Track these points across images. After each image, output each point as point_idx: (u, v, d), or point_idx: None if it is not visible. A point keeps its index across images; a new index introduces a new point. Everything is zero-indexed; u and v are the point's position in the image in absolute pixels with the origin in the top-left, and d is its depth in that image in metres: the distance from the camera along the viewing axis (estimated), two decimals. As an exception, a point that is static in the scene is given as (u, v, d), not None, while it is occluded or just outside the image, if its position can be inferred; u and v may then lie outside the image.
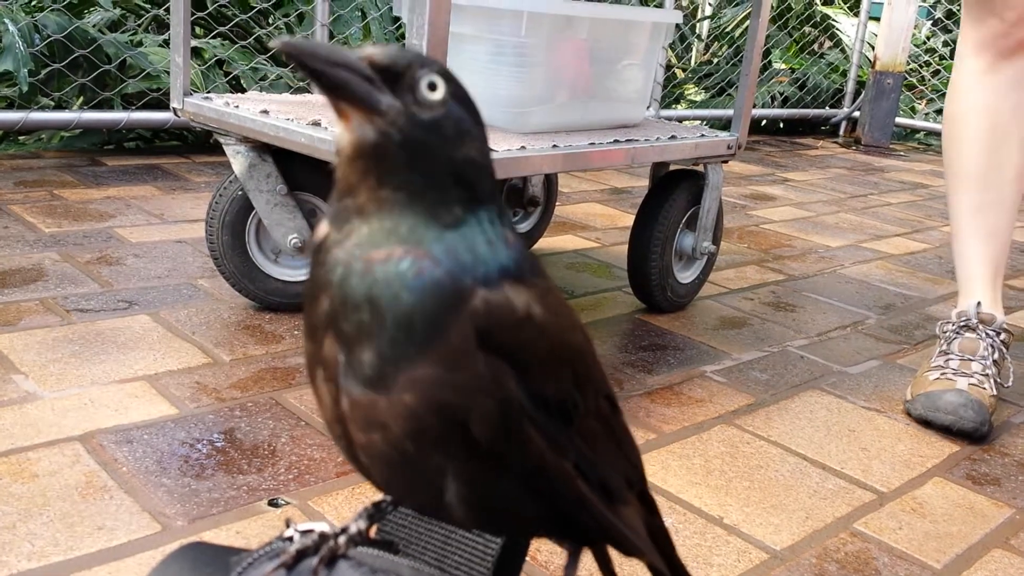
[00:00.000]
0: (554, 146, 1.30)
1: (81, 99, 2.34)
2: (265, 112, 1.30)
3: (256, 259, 1.42)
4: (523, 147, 1.26)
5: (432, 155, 0.40)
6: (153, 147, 2.57)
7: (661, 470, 1.10)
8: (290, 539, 0.44)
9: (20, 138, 2.44)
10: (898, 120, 4.11)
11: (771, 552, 0.96)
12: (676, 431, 1.21)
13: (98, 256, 1.63)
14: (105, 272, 1.56)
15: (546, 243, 1.97)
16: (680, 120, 3.76)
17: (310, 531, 0.45)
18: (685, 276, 1.66)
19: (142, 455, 1.02)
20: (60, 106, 2.29)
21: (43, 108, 2.26)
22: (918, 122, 4.29)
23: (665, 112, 3.49)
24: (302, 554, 0.42)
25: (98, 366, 1.22)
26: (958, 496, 1.12)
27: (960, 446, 1.26)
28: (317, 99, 1.53)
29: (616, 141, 1.41)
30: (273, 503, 0.97)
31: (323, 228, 0.43)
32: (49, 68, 2.22)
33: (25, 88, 2.12)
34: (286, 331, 1.39)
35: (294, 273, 1.44)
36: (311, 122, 1.25)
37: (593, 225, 2.21)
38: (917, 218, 2.72)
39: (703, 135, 1.57)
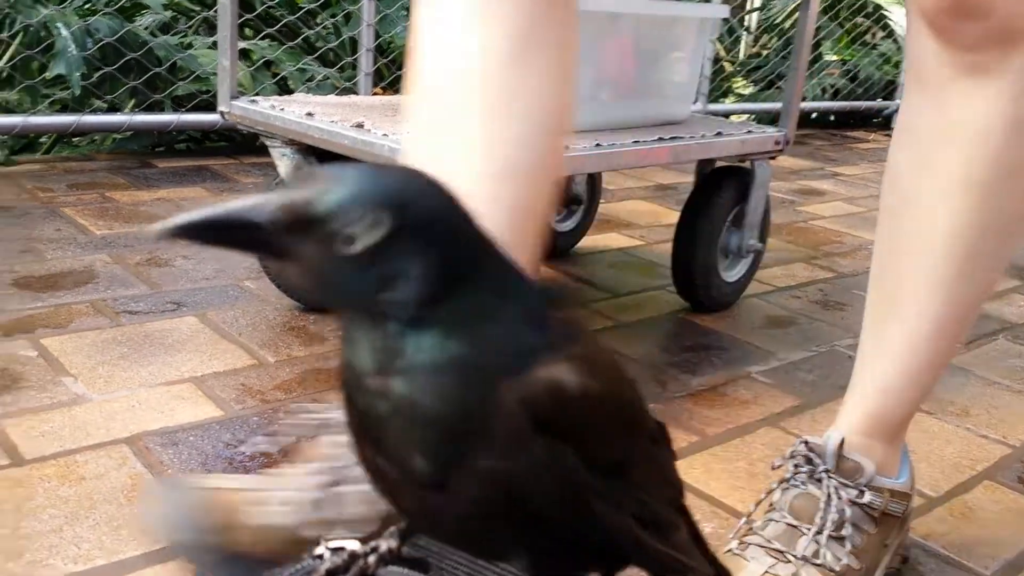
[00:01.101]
0: (597, 145, 1.29)
1: (132, 102, 2.38)
2: (310, 114, 1.31)
3: (300, 261, 1.43)
4: (566, 146, 1.25)
5: (348, 303, 0.39)
6: (203, 148, 2.61)
7: (704, 474, 1.09)
8: (320, 556, 0.45)
9: (74, 140, 2.49)
10: (953, 111, 4.01)
11: (815, 559, 0.95)
12: (719, 434, 1.19)
13: (147, 258, 1.66)
14: (154, 274, 1.58)
15: (590, 241, 1.96)
16: (728, 115, 3.72)
17: (341, 548, 0.45)
18: (731, 274, 1.64)
19: (187, 457, 1.04)
20: (112, 109, 2.33)
21: (95, 111, 2.30)
22: (974, 113, 4.18)
23: (713, 106, 3.45)
24: (332, 574, 0.43)
25: (145, 368, 1.24)
26: (1009, 500, 1.10)
27: (1012, 448, 1.22)
28: (363, 101, 1.54)
29: (660, 139, 1.39)
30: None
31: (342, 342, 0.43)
32: (101, 71, 2.26)
33: (78, 91, 2.16)
34: (330, 332, 1.40)
35: (337, 274, 1.45)
36: (355, 124, 1.26)
37: (637, 223, 2.20)
38: (972, 212, 2.66)
39: (750, 131, 1.55)
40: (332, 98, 1.52)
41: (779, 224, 2.31)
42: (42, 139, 2.43)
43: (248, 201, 0.37)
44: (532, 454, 0.39)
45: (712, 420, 1.23)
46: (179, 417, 1.12)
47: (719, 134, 1.48)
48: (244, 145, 2.67)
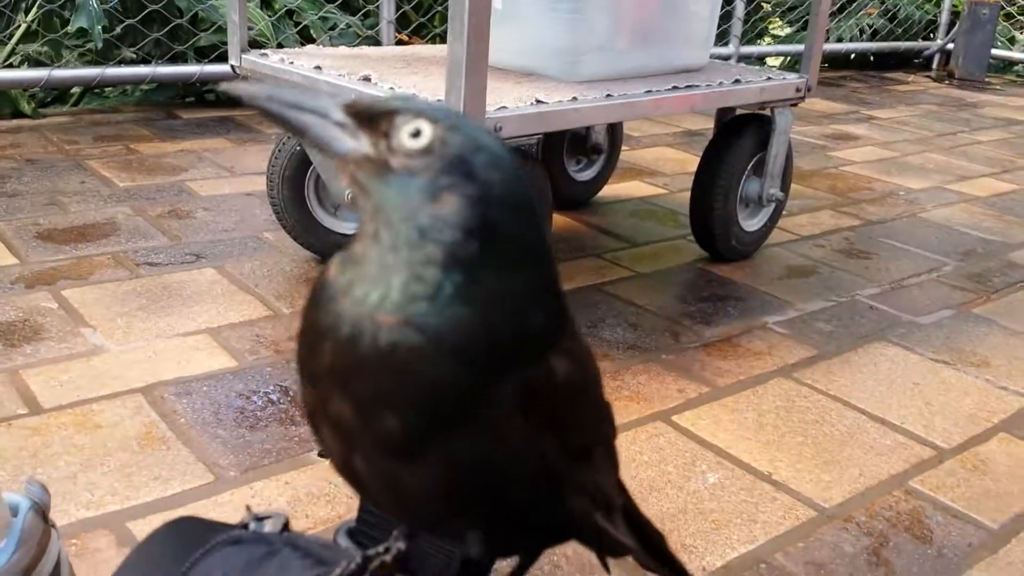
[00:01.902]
0: (608, 95, 1.27)
1: (157, 54, 2.39)
2: (318, 68, 1.31)
3: (316, 213, 1.44)
4: (574, 98, 1.23)
5: (395, 211, 0.35)
6: (230, 98, 2.61)
7: (711, 424, 1.09)
8: (245, 526, 0.45)
9: (106, 90, 2.50)
10: (994, 52, 3.90)
11: (819, 509, 0.95)
12: (731, 384, 1.19)
13: (169, 210, 1.67)
14: (175, 226, 1.60)
15: (611, 190, 1.94)
16: (762, 57, 3.64)
17: (267, 517, 0.45)
18: (751, 224, 1.62)
19: (200, 407, 1.06)
20: (136, 61, 2.34)
21: (120, 63, 2.31)
22: (1016, 54, 4.06)
23: (746, 48, 3.38)
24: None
25: (163, 319, 1.26)
26: (1022, 453, 1.08)
27: (1032, 401, 1.21)
28: (374, 53, 1.52)
29: (675, 88, 1.37)
30: (322, 455, 0.99)
31: (332, 267, 0.39)
32: (124, 24, 2.26)
33: (100, 45, 2.17)
34: (345, 283, 1.41)
35: (353, 226, 1.45)
36: (362, 77, 1.25)
37: (662, 171, 2.17)
38: (1008, 157, 2.59)
39: (769, 78, 1.52)
40: (343, 50, 1.51)
41: (808, 170, 2.27)
42: (72, 90, 2.45)
43: (320, 95, 0.37)
44: (516, 440, 0.38)
45: (724, 371, 1.22)
46: (194, 367, 1.14)
47: (737, 81, 1.45)
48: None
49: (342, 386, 0.38)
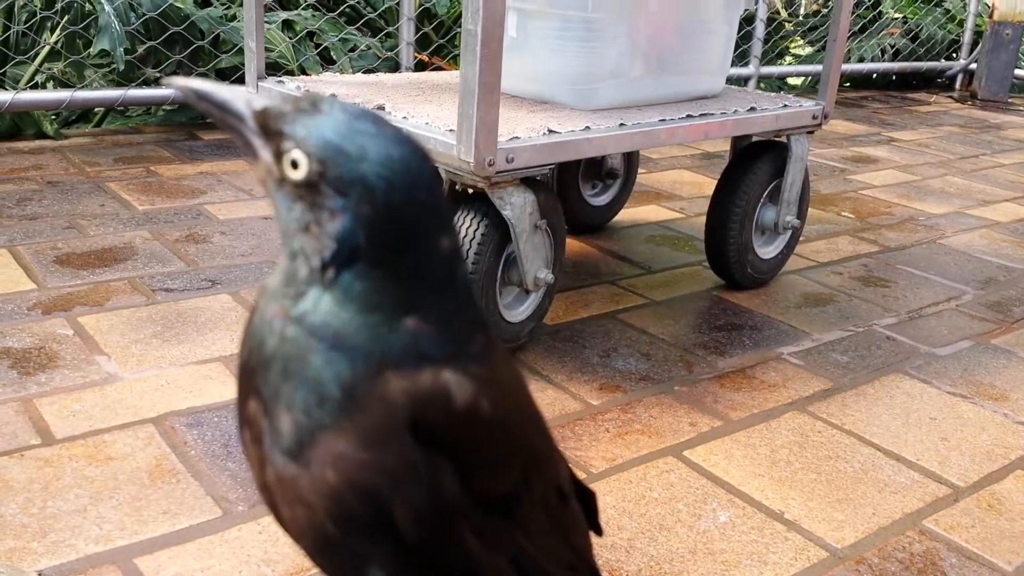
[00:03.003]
0: (621, 124, 1.27)
1: (179, 75, 2.41)
2: (333, 96, 1.31)
3: (330, 239, 1.44)
4: (587, 127, 1.23)
5: (280, 223, 0.38)
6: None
7: (723, 460, 1.08)
8: None
9: (128, 108, 2.53)
10: (1018, 72, 3.87)
11: (831, 551, 0.94)
12: (744, 418, 1.18)
13: (187, 234, 1.69)
14: (192, 251, 1.61)
15: (627, 215, 1.94)
16: (782, 77, 3.63)
17: None
18: (767, 251, 1.61)
19: (211, 438, 1.06)
20: (158, 82, 2.36)
21: (142, 84, 2.34)
22: (1042, 73, 4.02)
23: (767, 69, 3.37)
24: None
25: (177, 347, 1.26)
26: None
27: (1051, 437, 1.19)
28: (390, 79, 1.53)
29: (689, 116, 1.37)
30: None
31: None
32: (146, 45, 2.28)
33: (122, 67, 2.19)
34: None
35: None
36: (376, 106, 1.26)
37: (679, 194, 2.17)
38: (1032, 180, 2.57)
39: (785, 105, 1.51)
40: (359, 77, 1.51)
41: (827, 194, 2.26)
42: (95, 110, 2.48)
43: (244, 93, 0.38)
44: (400, 455, 0.37)
45: (737, 404, 1.21)
46: (206, 397, 1.15)
47: (752, 109, 1.44)
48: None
49: (254, 387, 0.40)
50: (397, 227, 0.37)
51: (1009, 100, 3.86)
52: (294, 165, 0.37)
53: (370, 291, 0.38)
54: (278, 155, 0.37)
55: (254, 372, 0.39)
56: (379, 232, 0.37)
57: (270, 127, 0.37)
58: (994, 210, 2.24)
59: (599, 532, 0.53)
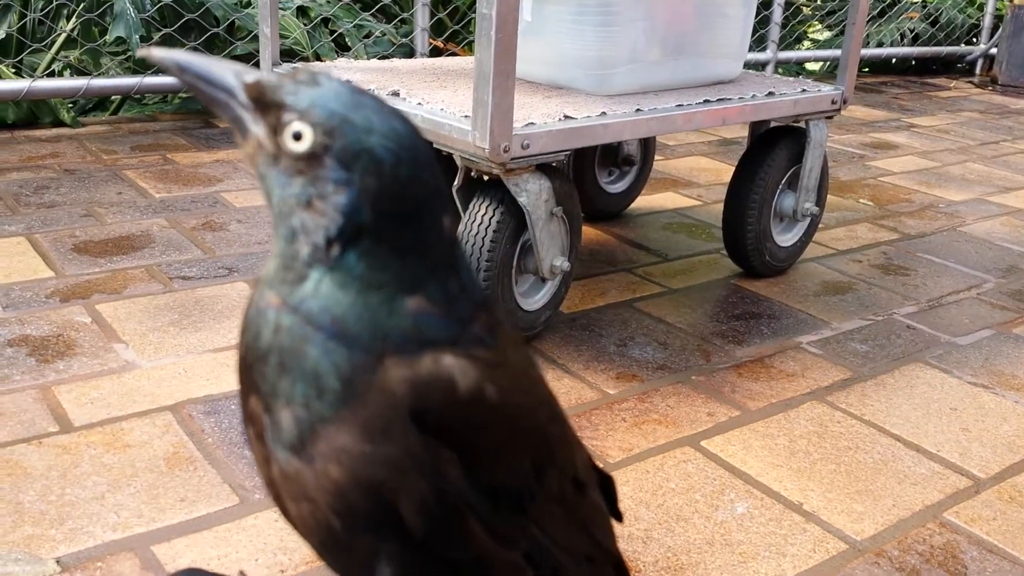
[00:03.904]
0: (637, 110, 1.26)
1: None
2: (348, 82, 1.30)
3: (346, 227, 1.44)
4: (603, 112, 1.22)
5: (273, 204, 0.36)
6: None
7: (741, 450, 1.07)
8: None
9: (144, 96, 2.53)
10: (1041, 56, 3.82)
11: (850, 543, 0.93)
12: (762, 408, 1.17)
13: (203, 222, 1.69)
14: (208, 239, 1.61)
15: (643, 202, 1.92)
16: (800, 62, 3.60)
17: None
18: (785, 239, 1.59)
19: (227, 426, 1.06)
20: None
21: (158, 71, 2.34)
22: (1065, 57, 3.97)
23: (784, 54, 3.34)
24: None
25: (194, 335, 1.26)
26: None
27: (1074, 428, 1.17)
28: (405, 65, 1.52)
29: (707, 101, 1.35)
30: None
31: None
32: (161, 32, 2.28)
33: (137, 54, 2.19)
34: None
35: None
36: (391, 92, 1.25)
37: (696, 181, 2.15)
38: (1054, 167, 2.53)
39: (804, 90, 1.50)
40: (374, 63, 1.50)
41: (846, 181, 2.24)
42: (112, 98, 2.48)
43: (233, 66, 0.36)
44: (403, 447, 0.36)
45: (755, 393, 1.20)
46: (223, 385, 1.15)
47: (770, 94, 1.43)
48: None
49: (253, 383, 0.39)
50: (402, 202, 0.36)
51: (1031, 85, 3.81)
52: (296, 137, 0.35)
53: (373, 270, 0.36)
54: (275, 129, 0.36)
55: (252, 367, 0.38)
56: (385, 206, 0.36)
57: (266, 99, 0.36)
58: (1015, 197, 2.22)
59: (619, 518, 0.51)
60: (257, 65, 2.37)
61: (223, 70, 0.36)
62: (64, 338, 1.23)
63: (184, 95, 2.51)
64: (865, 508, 0.98)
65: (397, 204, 0.36)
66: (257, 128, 0.36)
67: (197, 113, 2.48)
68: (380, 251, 0.36)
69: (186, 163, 2.03)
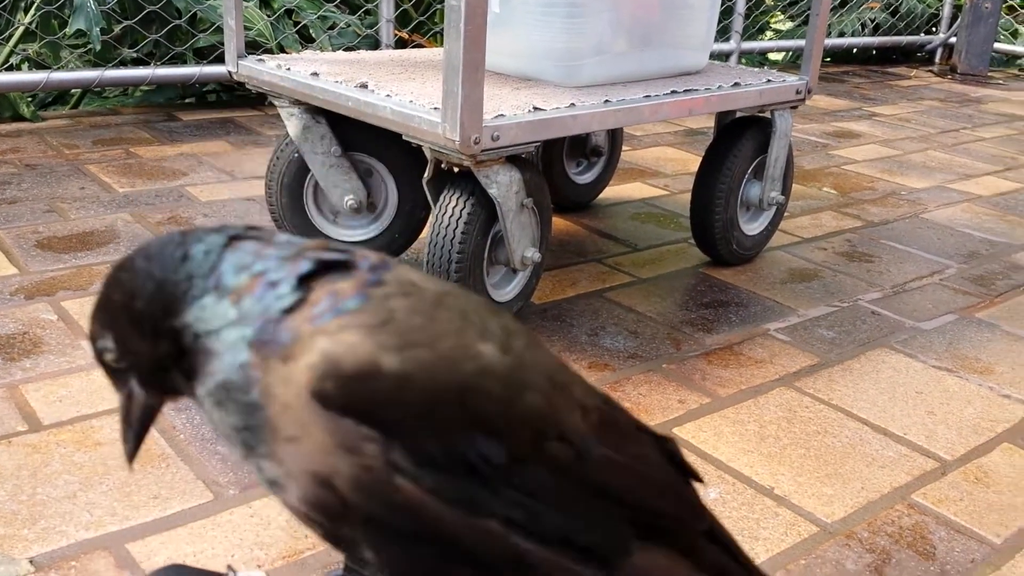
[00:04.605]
0: (606, 101, 1.26)
1: (156, 54, 2.38)
2: (315, 75, 1.30)
3: (315, 220, 1.44)
4: (572, 104, 1.22)
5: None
6: (232, 97, 2.60)
7: (713, 437, 1.08)
8: None
9: (105, 89, 2.49)
10: (997, 46, 3.88)
11: (821, 525, 0.94)
12: (732, 394, 1.18)
13: (169, 216, 1.67)
14: (174, 233, 1.59)
15: (612, 192, 1.93)
16: (764, 52, 3.63)
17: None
18: (752, 228, 1.61)
19: (199, 422, 1.05)
20: (136, 62, 2.33)
21: (119, 64, 2.30)
22: (1019, 47, 4.04)
23: (748, 44, 3.36)
24: None
25: (162, 330, 1.25)
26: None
27: (1035, 409, 1.20)
28: (372, 57, 1.52)
29: (674, 92, 1.36)
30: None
31: None
32: (122, 25, 2.25)
33: (98, 47, 2.16)
34: (345, 291, 1.40)
35: (353, 234, 1.44)
36: (359, 84, 1.25)
37: (663, 171, 2.16)
38: (1011, 154, 2.58)
39: (769, 80, 1.51)
40: (340, 55, 1.50)
41: (810, 170, 2.26)
42: (72, 92, 2.44)
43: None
44: (319, 435, 0.36)
45: (725, 380, 1.22)
46: (193, 381, 1.14)
47: (737, 84, 1.44)
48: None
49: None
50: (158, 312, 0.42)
51: (989, 74, 3.87)
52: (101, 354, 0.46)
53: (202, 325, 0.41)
54: (101, 357, 0.46)
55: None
56: (157, 321, 0.41)
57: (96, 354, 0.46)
58: (976, 184, 2.25)
59: (696, 479, 0.47)
60: (219, 58, 2.35)
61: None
62: (30, 336, 1.21)
63: (145, 88, 2.48)
64: (835, 491, 1.00)
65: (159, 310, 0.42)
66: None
67: (160, 106, 2.45)
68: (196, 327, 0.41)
69: (149, 157, 2.01)
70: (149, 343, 0.40)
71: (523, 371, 0.38)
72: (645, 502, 0.41)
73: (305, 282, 0.38)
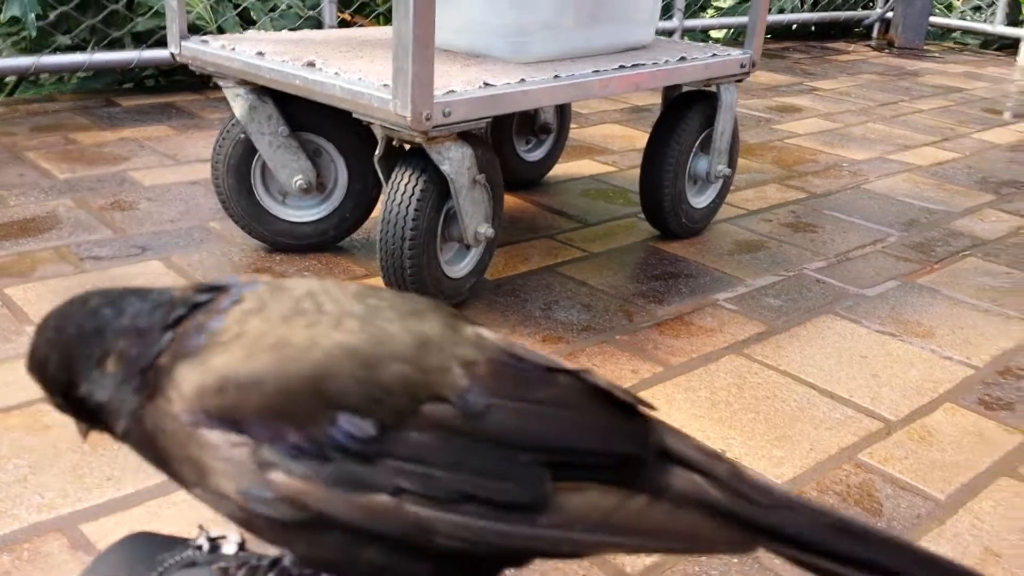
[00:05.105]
0: (555, 76, 1.27)
1: (93, 40, 2.33)
2: (261, 54, 1.28)
3: (263, 201, 1.42)
4: (522, 79, 1.23)
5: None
6: (172, 82, 2.55)
7: (665, 404, 1.10)
8: (199, 547, 0.45)
9: (40, 77, 2.44)
10: (933, 19, 3.96)
11: (772, 486, 0.97)
12: (684, 363, 1.20)
13: (112, 201, 1.64)
14: (118, 218, 1.57)
15: (561, 170, 1.94)
16: (706, 30, 3.66)
17: (222, 538, 0.45)
18: (700, 201, 1.63)
19: (152, 405, 1.04)
20: (72, 48, 2.28)
21: (55, 50, 2.25)
22: (954, 20, 4.13)
23: (690, 22, 3.39)
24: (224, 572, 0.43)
25: (110, 315, 1.23)
26: (968, 423, 1.11)
27: (975, 369, 1.24)
28: (317, 36, 1.50)
29: (622, 67, 1.37)
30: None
31: None
32: (57, 11, 2.20)
33: (34, 33, 2.11)
34: (296, 272, 1.39)
35: (301, 214, 1.44)
36: (306, 63, 1.24)
37: (610, 148, 2.18)
38: (949, 125, 2.64)
39: (714, 54, 1.53)
40: (285, 34, 1.48)
41: (753, 144, 2.29)
42: (5, 80, 2.38)
43: None
44: (198, 457, 0.39)
45: (677, 349, 1.24)
46: (144, 364, 1.12)
47: (683, 59, 1.45)
48: (210, 79, 2.62)
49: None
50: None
51: (925, 47, 3.95)
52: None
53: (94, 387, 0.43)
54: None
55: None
56: (81, 369, 0.43)
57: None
58: (914, 154, 2.31)
59: (641, 404, 0.46)
60: (159, 42, 2.30)
61: None
62: (-27, 324, 1.19)
63: (83, 74, 2.43)
64: (784, 453, 1.02)
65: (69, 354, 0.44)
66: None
67: (98, 92, 2.40)
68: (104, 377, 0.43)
69: (89, 143, 1.97)
70: (65, 403, 0.45)
71: (383, 345, 0.39)
72: (557, 442, 0.40)
73: (176, 325, 0.42)
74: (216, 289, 0.42)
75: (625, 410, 0.43)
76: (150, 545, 0.45)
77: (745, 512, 0.41)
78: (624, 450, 0.41)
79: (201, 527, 0.46)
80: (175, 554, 0.44)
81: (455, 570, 0.39)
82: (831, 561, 0.40)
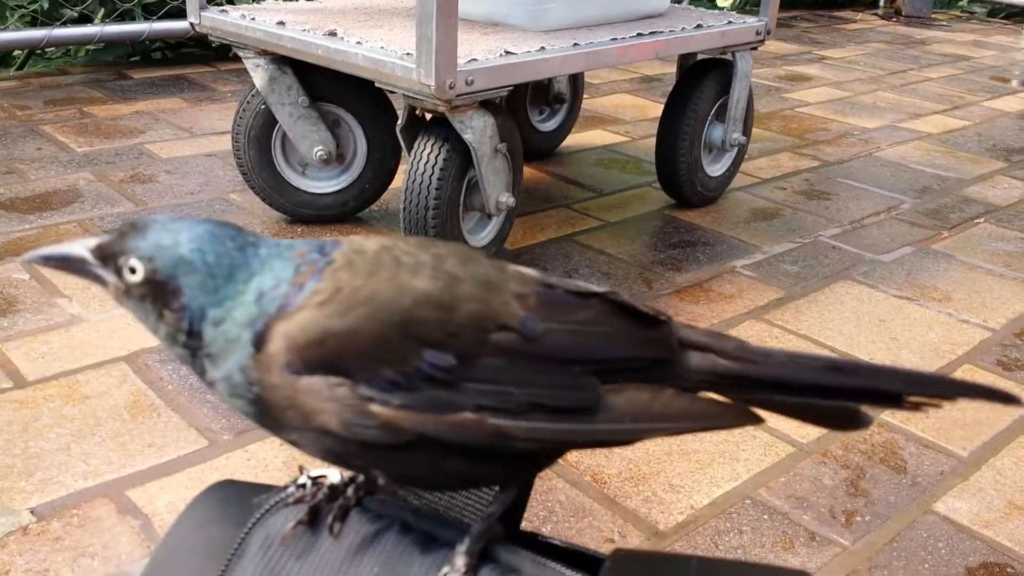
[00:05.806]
0: (575, 44, 1.27)
1: (102, 12, 2.33)
2: (281, 23, 1.29)
3: (284, 172, 1.43)
4: (542, 48, 1.23)
5: (146, 325, 0.45)
6: (180, 55, 2.55)
7: (690, 368, 1.12)
8: (303, 486, 0.47)
9: (48, 50, 2.44)
10: (941, -12, 3.95)
11: (797, 446, 0.99)
12: (704, 328, 1.22)
13: (131, 174, 1.65)
14: (139, 191, 1.58)
15: (574, 140, 1.95)
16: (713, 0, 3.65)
17: (323, 476, 0.47)
18: (715, 169, 1.64)
19: (186, 373, 1.06)
20: (83, 20, 2.28)
21: (66, 23, 2.25)
22: (963, -12, 4.11)
23: (696, -8, 3.38)
24: (316, 510, 0.46)
25: (138, 286, 1.25)
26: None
27: (991, 332, 1.26)
28: (338, 4, 1.51)
29: (640, 35, 1.38)
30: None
31: None
32: (68, -18, 2.20)
33: (46, 5, 2.11)
34: (318, 243, 1.41)
35: (322, 185, 1.45)
36: (328, 32, 1.24)
37: (623, 118, 2.18)
38: (958, 93, 2.64)
39: (730, 22, 1.53)
40: (304, 3, 1.48)
41: (765, 113, 2.30)
42: (15, 53, 2.38)
43: (81, 241, 0.44)
44: (303, 401, 0.42)
45: (697, 315, 1.25)
46: (175, 334, 1.14)
47: (699, 26, 1.46)
48: (222, 52, 2.61)
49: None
50: (214, 276, 0.44)
51: (932, 16, 3.94)
52: (132, 271, 0.44)
53: (222, 329, 0.44)
54: (119, 272, 0.44)
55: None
56: (208, 286, 0.44)
57: (107, 253, 0.44)
58: (925, 122, 2.31)
59: (661, 316, 0.50)
60: (168, 14, 2.30)
61: (73, 248, 0.45)
62: (5, 295, 1.21)
63: (92, 47, 2.43)
64: (809, 415, 1.04)
65: (212, 280, 0.44)
66: (109, 276, 0.44)
67: (108, 65, 2.40)
68: (217, 312, 0.44)
69: (105, 116, 1.97)
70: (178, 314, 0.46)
71: (455, 288, 0.45)
72: (599, 353, 0.47)
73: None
74: (318, 249, 0.46)
75: (648, 320, 0.49)
76: (239, 492, 0.47)
77: (753, 373, 0.47)
78: (653, 354, 0.48)
79: (301, 468, 0.49)
80: (272, 496, 0.46)
81: (518, 468, 0.47)
82: (833, 398, 0.47)
